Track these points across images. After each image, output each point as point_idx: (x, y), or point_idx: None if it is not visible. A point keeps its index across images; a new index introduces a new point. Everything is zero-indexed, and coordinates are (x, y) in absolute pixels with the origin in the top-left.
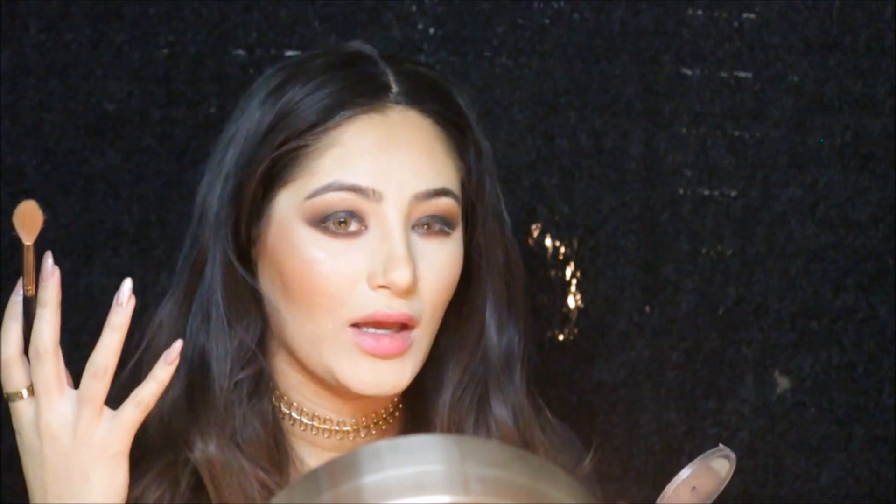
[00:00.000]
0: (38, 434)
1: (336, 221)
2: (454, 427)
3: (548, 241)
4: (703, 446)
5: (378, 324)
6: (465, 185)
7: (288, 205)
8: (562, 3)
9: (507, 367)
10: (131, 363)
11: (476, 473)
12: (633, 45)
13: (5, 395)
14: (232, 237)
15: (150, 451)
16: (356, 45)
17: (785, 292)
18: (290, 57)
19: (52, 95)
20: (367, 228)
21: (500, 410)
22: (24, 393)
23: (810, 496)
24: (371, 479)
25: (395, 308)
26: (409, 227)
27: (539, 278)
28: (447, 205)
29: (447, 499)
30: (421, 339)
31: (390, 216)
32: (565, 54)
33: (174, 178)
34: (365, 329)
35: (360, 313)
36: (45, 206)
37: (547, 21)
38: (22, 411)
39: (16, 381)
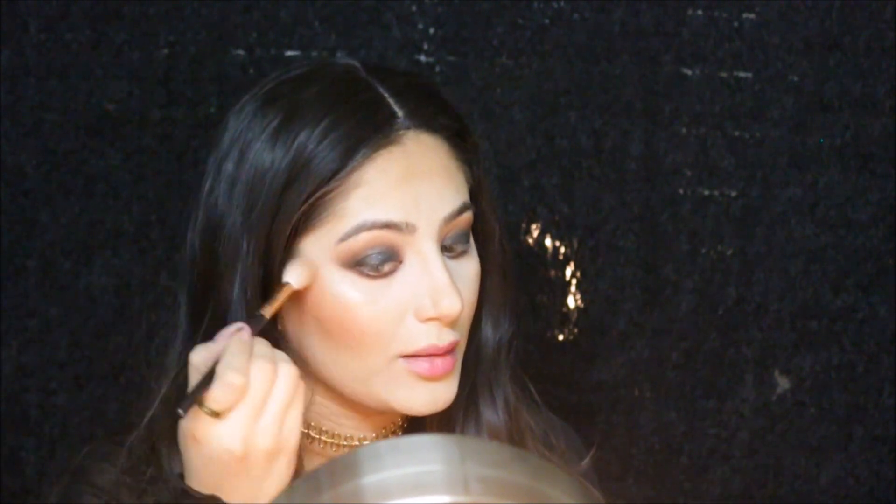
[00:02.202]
0: (224, 444)
1: (371, 266)
2: (444, 419)
3: (548, 241)
4: (702, 446)
5: (430, 356)
6: (472, 187)
7: (317, 250)
8: (562, 3)
9: (498, 359)
10: (158, 399)
11: (476, 473)
12: (633, 45)
13: (205, 409)
14: (261, 292)
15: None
16: (342, 61)
17: (785, 292)
18: (267, 83)
19: (52, 95)
20: (402, 262)
21: (488, 406)
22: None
23: (810, 496)
24: (371, 479)
25: (444, 339)
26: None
27: (539, 278)
28: (467, 218)
29: (447, 499)
30: (461, 353)
31: (425, 246)
32: (565, 54)
33: (174, 178)
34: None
35: (411, 348)
36: (45, 206)
37: (547, 21)
38: (208, 423)
39: (228, 403)
